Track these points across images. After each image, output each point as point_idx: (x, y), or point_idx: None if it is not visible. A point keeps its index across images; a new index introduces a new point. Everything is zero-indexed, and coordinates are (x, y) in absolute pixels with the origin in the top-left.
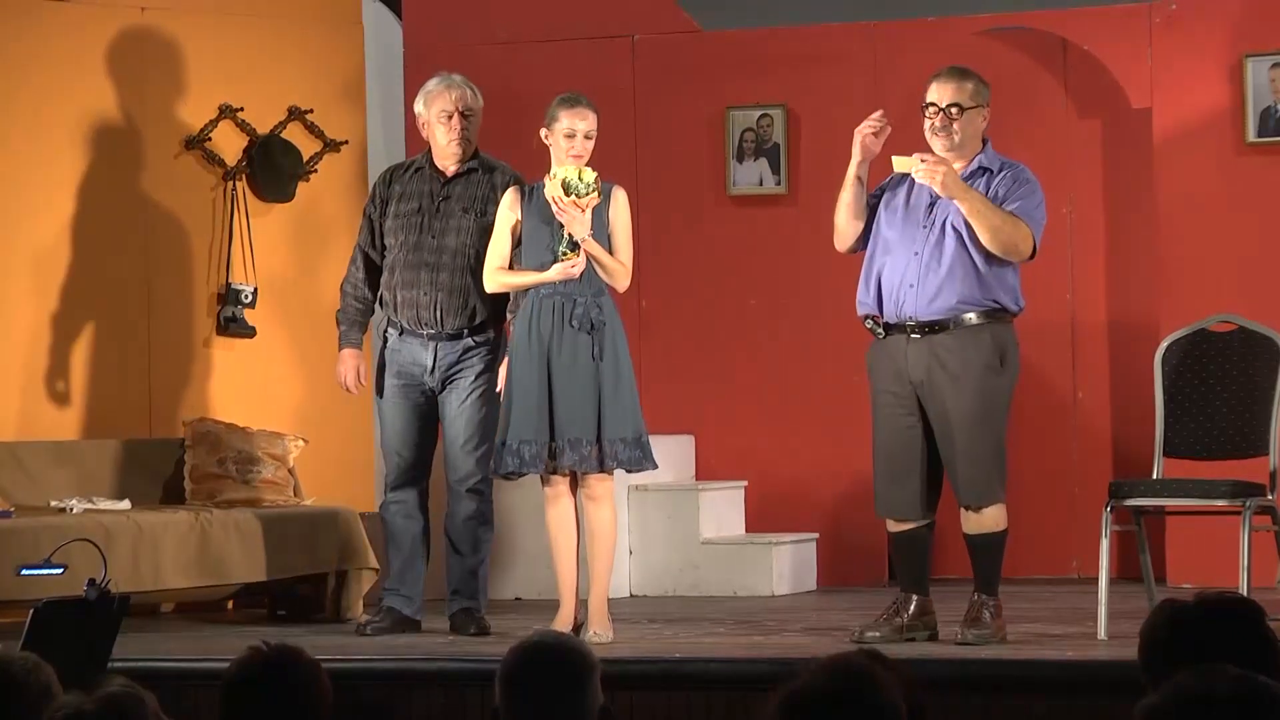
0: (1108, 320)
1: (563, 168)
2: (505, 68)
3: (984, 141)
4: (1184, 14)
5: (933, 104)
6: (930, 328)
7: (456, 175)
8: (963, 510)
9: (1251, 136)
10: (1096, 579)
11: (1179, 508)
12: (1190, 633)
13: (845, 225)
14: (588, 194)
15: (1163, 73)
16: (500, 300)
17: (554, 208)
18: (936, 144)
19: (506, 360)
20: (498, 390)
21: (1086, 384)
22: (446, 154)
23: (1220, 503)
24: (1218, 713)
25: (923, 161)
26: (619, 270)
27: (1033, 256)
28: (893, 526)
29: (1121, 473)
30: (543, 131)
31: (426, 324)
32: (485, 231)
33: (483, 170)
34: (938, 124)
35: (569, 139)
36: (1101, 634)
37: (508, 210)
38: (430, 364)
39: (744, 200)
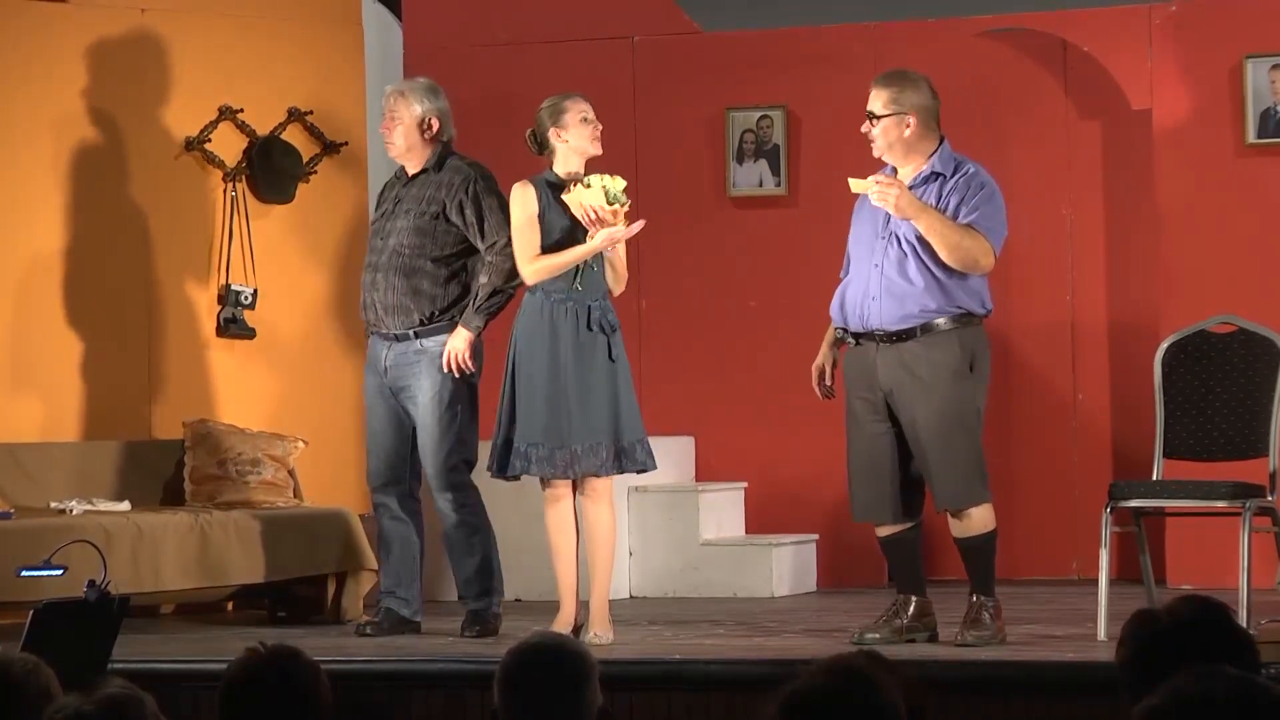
0: (1108, 320)
1: (597, 176)
2: (505, 69)
3: (940, 141)
4: (1184, 14)
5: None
6: (898, 336)
7: (414, 177)
8: (948, 516)
9: (1251, 137)
10: (1096, 580)
11: (1179, 509)
12: (1164, 642)
13: None
14: (626, 204)
15: (1163, 73)
16: (447, 301)
17: (585, 216)
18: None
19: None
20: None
21: (1086, 384)
22: (395, 156)
23: (1220, 504)
24: (1217, 714)
25: (877, 184)
26: (625, 275)
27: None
28: (880, 531)
29: (1121, 474)
30: (553, 133)
31: (374, 325)
32: (419, 232)
33: (433, 170)
34: (865, 129)
35: (586, 123)
36: (1101, 635)
37: (529, 204)
38: (383, 365)
39: (744, 201)
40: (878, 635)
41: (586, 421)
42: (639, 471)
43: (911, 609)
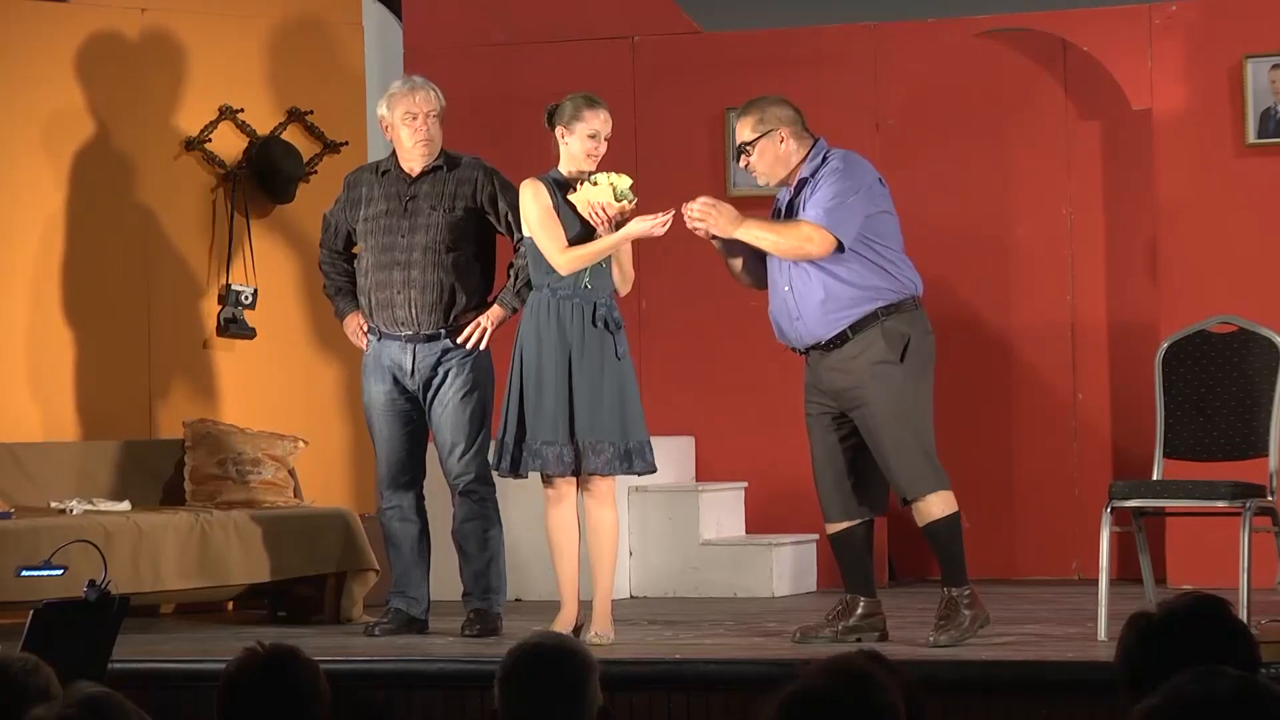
0: (1108, 320)
1: (606, 174)
2: (505, 69)
3: (814, 143)
4: (1184, 14)
5: (737, 147)
6: (832, 344)
7: (423, 174)
8: (911, 507)
9: (1251, 137)
10: (1097, 580)
11: (1179, 509)
12: (1163, 643)
13: (739, 276)
14: (633, 200)
15: (1163, 73)
16: (480, 297)
17: (595, 215)
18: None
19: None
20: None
21: (1086, 384)
22: (412, 155)
23: (1220, 504)
24: (1218, 713)
25: (697, 212)
26: (631, 274)
27: (841, 248)
28: (829, 528)
29: (1121, 474)
30: (559, 131)
31: (403, 324)
32: (454, 227)
33: (448, 167)
34: (743, 164)
35: (591, 140)
36: (1102, 635)
37: (543, 198)
38: (410, 366)
39: (743, 201)
40: (821, 636)
41: (592, 419)
42: (642, 473)
43: (859, 610)
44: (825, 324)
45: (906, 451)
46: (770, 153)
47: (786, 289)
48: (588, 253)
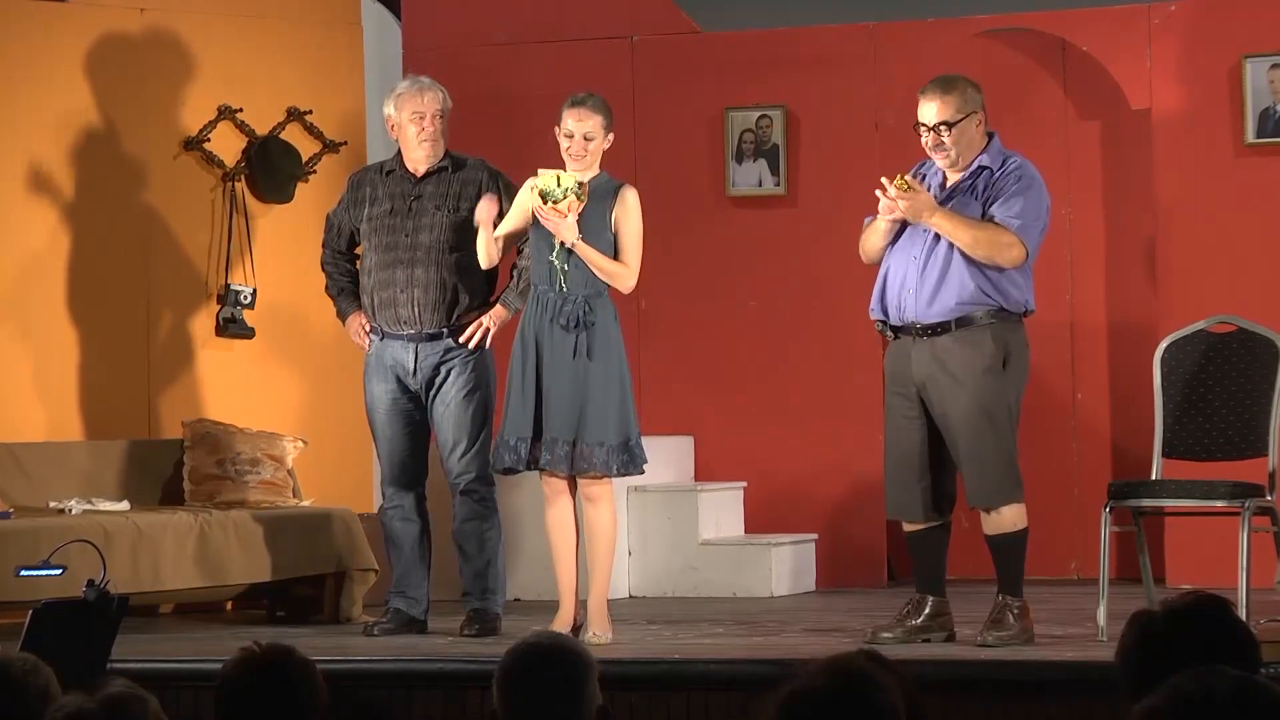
0: (1108, 320)
1: (539, 178)
2: (504, 68)
3: (990, 136)
4: (1184, 14)
5: (922, 124)
6: (932, 330)
7: (427, 174)
8: (980, 512)
9: (1251, 137)
10: (1096, 580)
11: (1178, 509)
12: (1164, 642)
13: (874, 249)
14: (564, 199)
15: (1163, 73)
16: (483, 297)
17: (539, 217)
18: (937, 159)
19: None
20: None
21: (1086, 384)
22: (418, 155)
23: (1219, 503)
24: (1217, 713)
25: (886, 194)
26: (618, 272)
27: (1028, 259)
28: (907, 527)
29: (1121, 473)
30: (556, 128)
31: (406, 323)
32: (458, 228)
33: (453, 168)
34: (931, 143)
35: (568, 139)
36: (1102, 635)
37: (524, 196)
38: (412, 366)
39: (743, 201)
40: (891, 635)
41: (549, 416)
42: (613, 476)
43: (927, 609)
44: (936, 306)
45: (992, 459)
46: (968, 135)
47: (915, 257)
48: (481, 244)
